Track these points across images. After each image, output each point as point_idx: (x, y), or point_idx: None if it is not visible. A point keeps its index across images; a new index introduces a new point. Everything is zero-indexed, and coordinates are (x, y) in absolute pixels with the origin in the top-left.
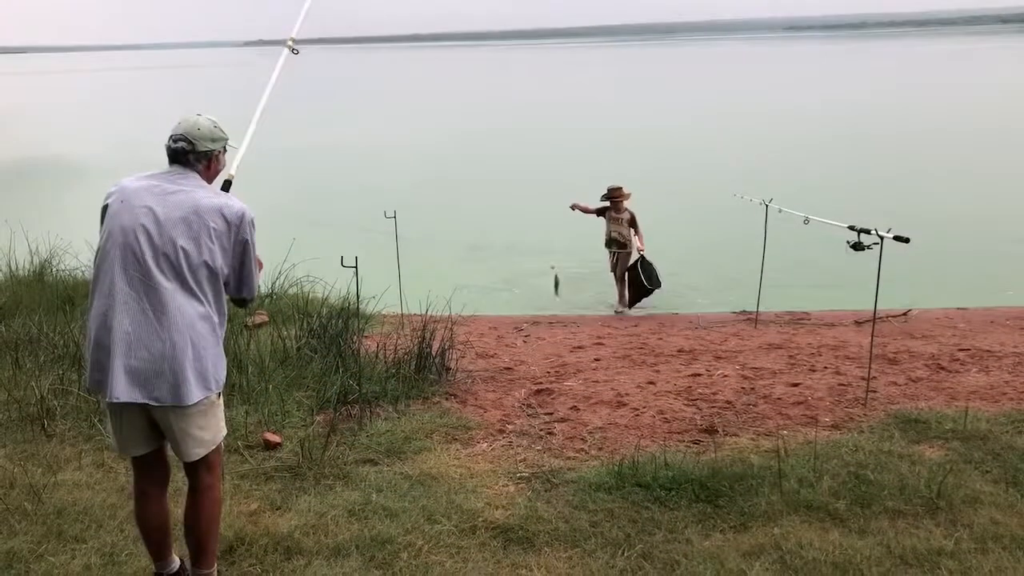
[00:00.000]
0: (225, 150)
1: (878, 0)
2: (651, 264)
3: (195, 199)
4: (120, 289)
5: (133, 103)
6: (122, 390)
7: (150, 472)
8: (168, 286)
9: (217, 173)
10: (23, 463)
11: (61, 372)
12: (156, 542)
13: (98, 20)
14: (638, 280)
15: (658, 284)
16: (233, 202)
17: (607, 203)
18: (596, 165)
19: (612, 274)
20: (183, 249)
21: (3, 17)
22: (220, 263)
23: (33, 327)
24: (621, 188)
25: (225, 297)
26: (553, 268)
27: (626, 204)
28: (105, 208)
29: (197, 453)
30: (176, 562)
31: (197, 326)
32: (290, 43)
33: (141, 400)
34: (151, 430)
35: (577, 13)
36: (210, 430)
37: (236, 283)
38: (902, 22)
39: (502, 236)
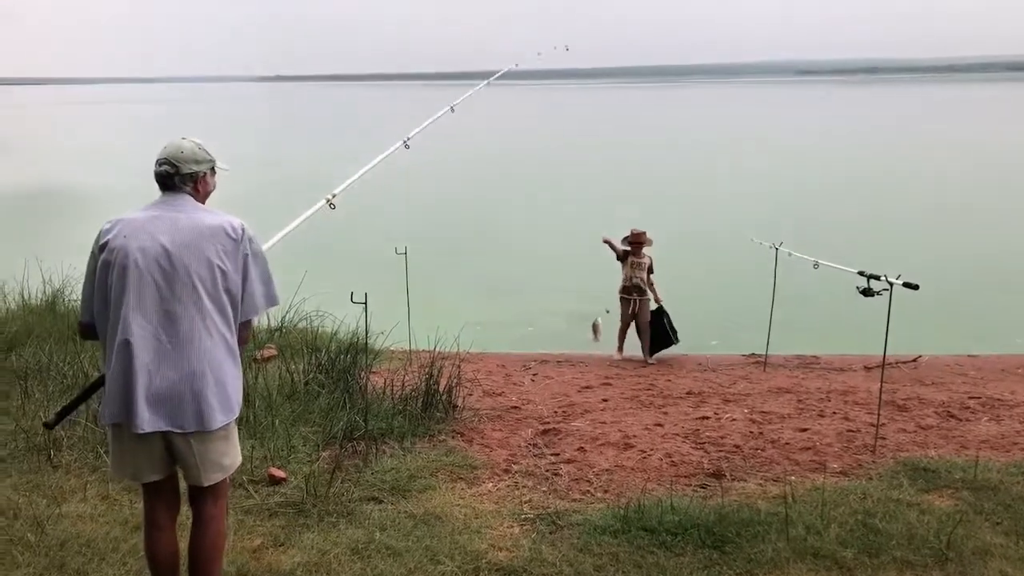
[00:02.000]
0: (214, 172)
1: (890, 46)
2: (669, 316)
3: (198, 221)
4: (137, 321)
5: (147, 135)
6: (146, 421)
7: (161, 500)
8: (184, 314)
9: (207, 195)
10: (28, 493)
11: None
12: (164, 575)
13: (114, 53)
14: (661, 330)
15: (677, 339)
16: (231, 218)
17: (627, 247)
18: (606, 206)
19: (622, 321)
20: (197, 274)
21: (21, 49)
22: (232, 283)
23: (43, 357)
24: (644, 233)
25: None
26: (608, 312)
27: (646, 250)
28: (104, 244)
29: (215, 478)
30: None
31: (216, 351)
32: (329, 198)
33: (165, 428)
34: (167, 457)
35: (588, 55)
36: (229, 455)
37: (240, 298)
38: (914, 68)
39: (511, 274)
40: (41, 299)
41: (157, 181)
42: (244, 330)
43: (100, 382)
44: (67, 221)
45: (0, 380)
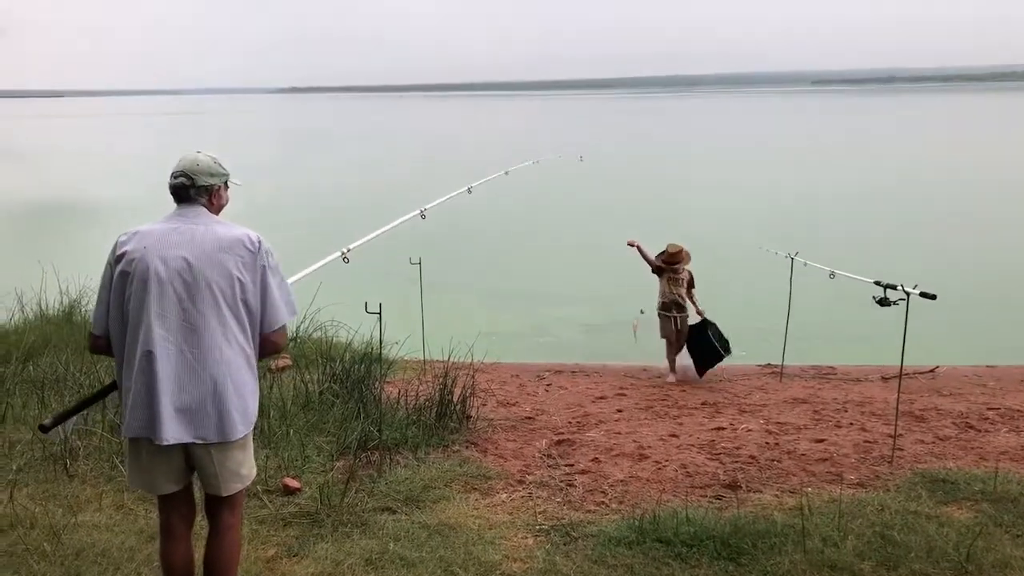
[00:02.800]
0: (228, 186)
1: (905, 56)
2: (717, 327)
3: (216, 233)
4: (159, 333)
5: (165, 147)
6: (171, 432)
7: (178, 510)
8: (205, 325)
9: (221, 208)
10: (44, 503)
11: (86, 412)
12: None
13: (131, 64)
14: (707, 345)
15: (728, 350)
16: (247, 231)
17: (661, 264)
18: (619, 215)
19: (665, 339)
20: (217, 286)
21: (37, 61)
22: (250, 295)
23: (60, 367)
24: (682, 250)
25: (257, 331)
26: (643, 313)
27: (687, 265)
28: (122, 256)
29: (235, 488)
30: None
31: (235, 362)
32: (345, 252)
33: (188, 440)
34: (185, 469)
35: (599, 65)
36: (247, 465)
37: (263, 310)
38: (931, 77)
39: (525, 283)
40: (58, 309)
41: (172, 193)
42: (279, 336)
43: (104, 391)
44: (84, 232)
45: (18, 390)
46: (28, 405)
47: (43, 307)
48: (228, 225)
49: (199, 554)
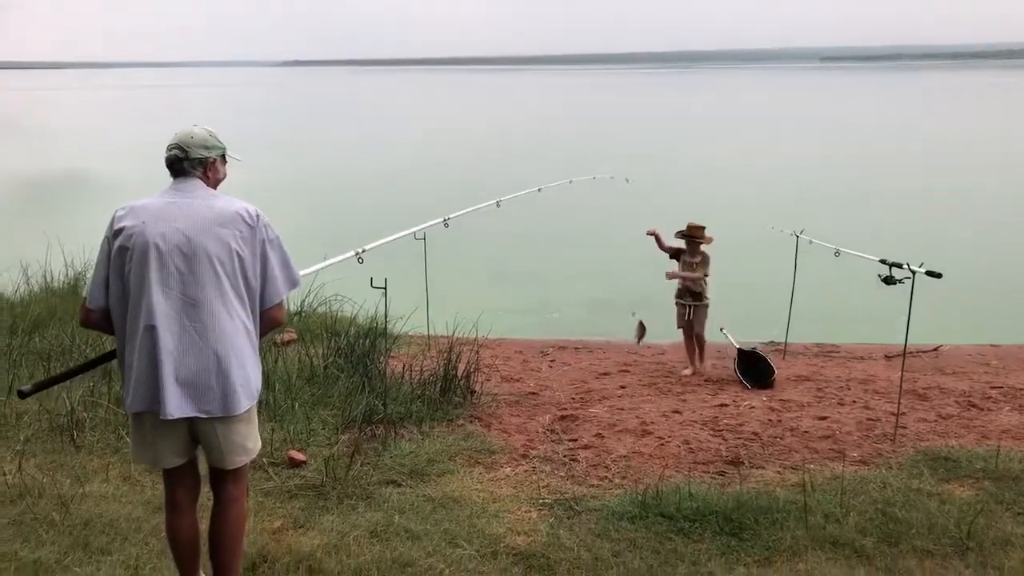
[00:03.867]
0: (225, 161)
1: (913, 33)
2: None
3: (214, 207)
4: (160, 309)
5: (168, 120)
6: (175, 407)
7: (183, 483)
8: (206, 299)
9: (217, 182)
10: (52, 473)
11: (91, 384)
12: (186, 557)
13: (135, 38)
14: (764, 366)
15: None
16: (246, 204)
17: (681, 243)
18: (623, 192)
19: (681, 330)
20: (217, 259)
21: (45, 33)
22: (250, 269)
23: (66, 338)
24: (702, 228)
25: (257, 306)
26: (635, 315)
27: (704, 247)
28: (120, 231)
29: (239, 461)
30: None
31: (237, 337)
32: (360, 252)
33: (192, 414)
34: (189, 442)
35: (601, 39)
36: (252, 439)
37: (263, 285)
38: (939, 54)
39: (529, 260)
40: (63, 282)
41: (167, 166)
42: (278, 311)
43: (91, 363)
44: (87, 205)
45: (24, 361)
46: (34, 376)
47: (48, 279)
48: (226, 199)
49: (205, 527)
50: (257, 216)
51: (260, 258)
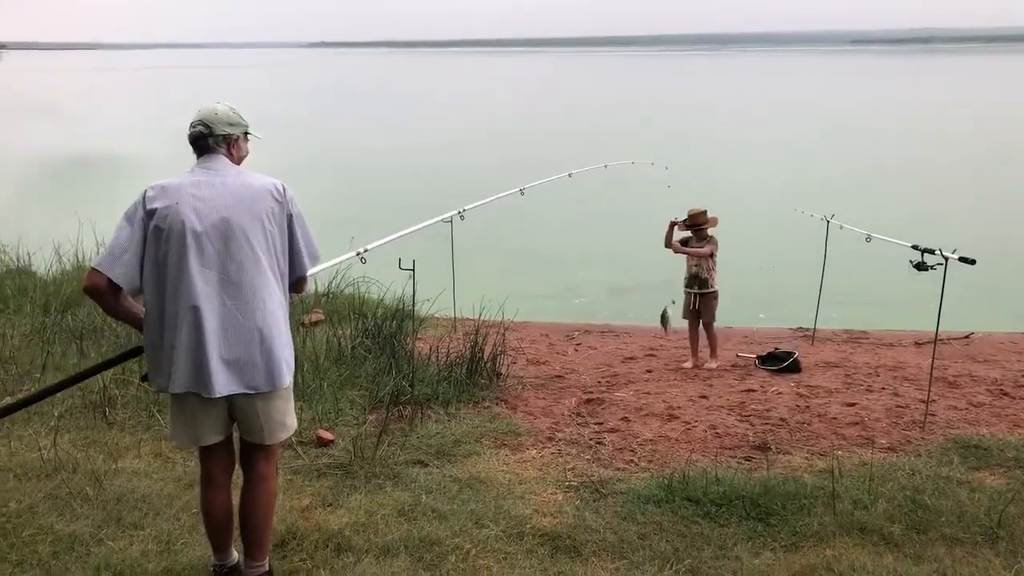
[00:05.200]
0: (248, 138)
1: (945, 16)
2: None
3: (244, 185)
4: (201, 289)
5: (197, 100)
6: (222, 384)
7: (219, 458)
8: (245, 276)
9: (241, 159)
10: (86, 449)
11: (122, 364)
12: (219, 532)
13: (163, 18)
14: (792, 366)
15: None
16: (273, 180)
17: (687, 232)
18: (651, 174)
19: (687, 319)
20: (254, 236)
21: (72, 14)
22: (280, 243)
23: (97, 317)
24: (703, 212)
25: (287, 280)
26: (673, 303)
27: (711, 231)
28: (153, 211)
29: (280, 437)
30: (235, 557)
31: (277, 312)
32: (362, 252)
33: (239, 390)
34: (227, 420)
35: (629, 22)
36: (290, 415)
37: (290, 259)
38: (972, 37)
39: (556, 244)
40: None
41: (191, 143)
42: (301, 284)
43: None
44: (116, 184)
45: (57, 339)
46: (67, 354)
47: (80, 258)
48: (254, 175)
49: (237, 503)
50: (284, 190)
51: (288, 233)
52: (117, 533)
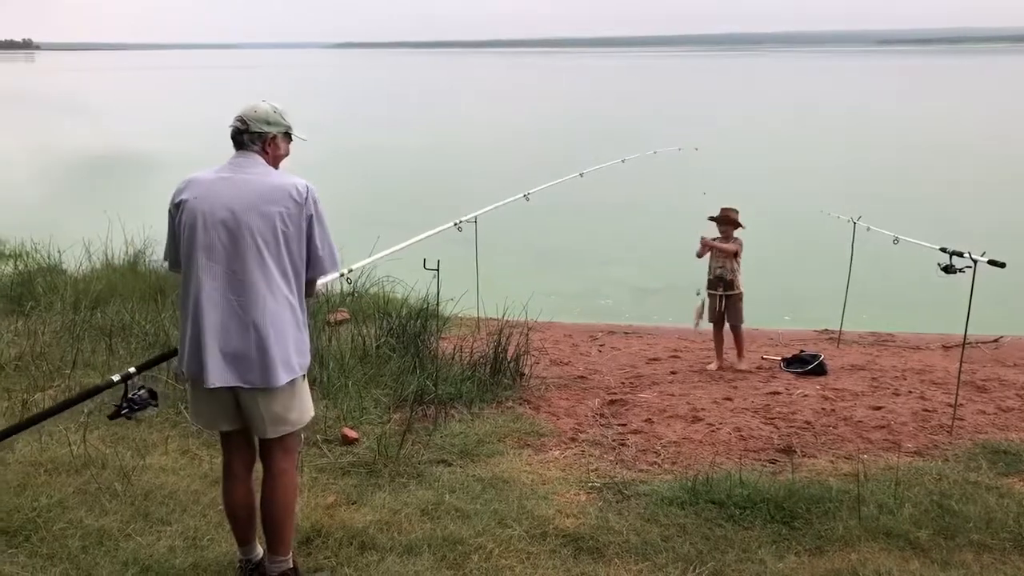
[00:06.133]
0: (289, 139)
1: (973, 16)
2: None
3: (263, 184)
4: (206, 283)
5: (227, 100)
6: (217, 376)
7: (238, 450)
8: (249, 275)
9: (279, 159)
10: (114, 445)
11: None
12: (241, 525)
13: (189, 18)
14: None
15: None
16: (297, 180)
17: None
18: (679, 174)
19: (711, 322)
20: (261, 236)
21: (102, 15)
22: (294, 244)
23: (126, 314)
24: (732, 210)
25: (303, 282)
26: (698, 294)
27: (736, 233)
28: (180, 204)
29: (281, 431)
30: (260, 552)
31: (279, 312)
32: (346, 272)
33: (234, 384)
34: (236, 409)
35: (658, 23)
36: (295, 411)
37: (308, 261)
38: (1004, 37)
39: (579, 244)
40: (123, 259)
41: (231, 138)
42: (310, 286)
43: (64, 405)
44: (149, 184)
45: (87, 336)
46: (97, 351)
47: (109, 256)
48: (279, 174)
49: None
50: (307, 192)
51: (306, 235)
52: (145, 528)
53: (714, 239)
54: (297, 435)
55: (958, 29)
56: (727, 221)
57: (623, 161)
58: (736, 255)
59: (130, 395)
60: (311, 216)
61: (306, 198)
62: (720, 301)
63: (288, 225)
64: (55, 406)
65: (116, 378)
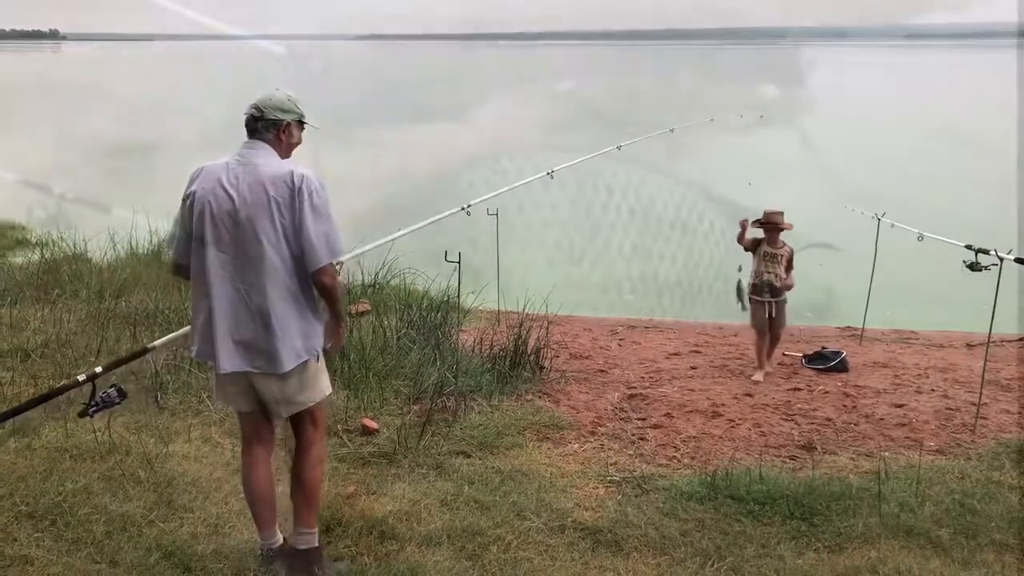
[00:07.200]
0: (303, 127)
1: (1007, 10)
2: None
3: (263, 173)
4: (215, 271)
5: (250, 90)
6: (228, 362)
7: (257, 432)
8: (251, 265)
9: (291, 147)
10: (138, 432)
11: (175, 348)
12: (261, 509)
13: (213, 9)
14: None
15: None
16: (296, 168)
17: (759, 232)
18: (698, 167)
19: (755, 329)
20: (261, 227)
21: (128, 5)
22: (290, 233)
23: (150, 303)
24: (780, 214)
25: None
26: (740, 270)
27: (783, 236)
28: (190, 195)
29: (292, 410)
30: (280, 538)
31: (281, 299)
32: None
33: (246, 369)
34: (252, 391)
35: (681, 15)
36: (305, 392)
37: (301, 249)
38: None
39: (600, 238)
40: (148, 248)
41: (245, 125)
42: (322, 277)
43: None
44: (169, 173)
45: (111, 324)
46: (121, 339)
47: (133, 246)
48: (280, 164)
49: (283, 490)
50: (302, 180)
51: (298, 222)
52: (168, 515)
53: (758, 241)
54: (323, 405)
55: (987, 24)
56: (776, 228)
57: (672, 131)
58: (789, 263)
59: (100, 394)
60: (302, 204)
61: (299, 187)
62: (770, 307)
63: (284, 214)
64: (24, 404)
65: (82, 378)
